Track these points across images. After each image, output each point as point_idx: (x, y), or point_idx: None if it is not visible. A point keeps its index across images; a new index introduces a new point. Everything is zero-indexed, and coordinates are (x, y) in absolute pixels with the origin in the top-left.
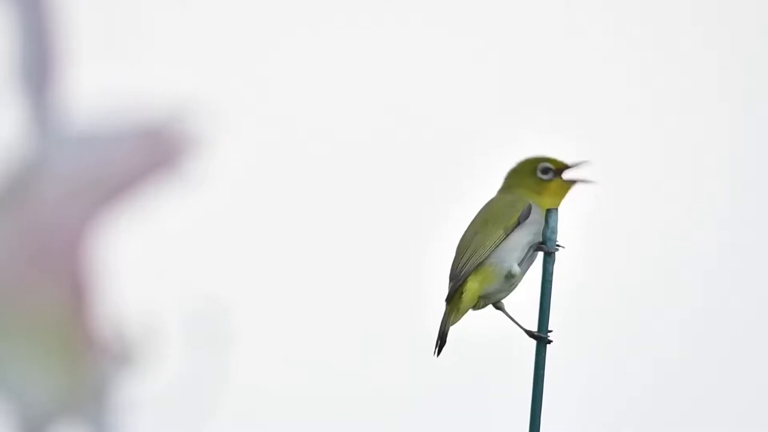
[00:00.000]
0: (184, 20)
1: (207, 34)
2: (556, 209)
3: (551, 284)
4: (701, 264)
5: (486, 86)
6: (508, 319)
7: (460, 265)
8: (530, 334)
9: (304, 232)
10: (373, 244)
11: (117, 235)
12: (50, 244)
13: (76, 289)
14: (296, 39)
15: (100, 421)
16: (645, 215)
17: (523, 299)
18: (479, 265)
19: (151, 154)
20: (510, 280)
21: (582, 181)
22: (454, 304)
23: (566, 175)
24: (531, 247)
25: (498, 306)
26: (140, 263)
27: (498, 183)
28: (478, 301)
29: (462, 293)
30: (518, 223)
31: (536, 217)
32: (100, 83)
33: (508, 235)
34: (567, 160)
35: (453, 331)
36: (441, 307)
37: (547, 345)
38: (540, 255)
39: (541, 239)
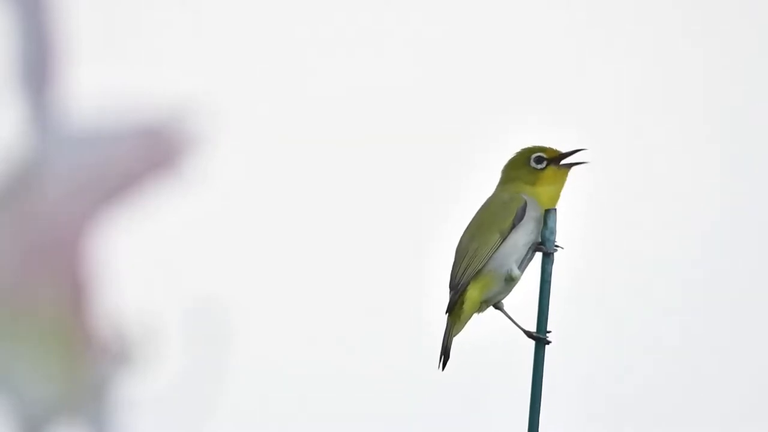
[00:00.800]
0: (184, 20)
1: (206, 34)
2: (555, 210)
3: (550, 285)
4: (700, 264)
5: (485, 87)
6: (507, 320)
7: (459, 274)
8: (529, 334)
9: (304, 232)
10: (373, 244)
11: (117, 235)
12: (50, 243)
13: (75, 289)
14: (296, 39)
15: (99, 420)
16: (644, 216)
17: (522, 300)
18: (478, 273)
19: (151, 154)
20: (511, 283)
21: (576, 164)
22: (456, 315)
23: (560, 162)
24: (530, 247)
25: (497, 306)
26: (140, 263)
27: (496, 179)
28: (480, 307)
29: (463, 302)
30: (514, 225)
31: (533, 214)
32: (100, 83)
33: (504, 239)
34: (558, 146)
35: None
36: (444, 302)
37: (546, 345)
38: (539, 255)
39: (539, 237)
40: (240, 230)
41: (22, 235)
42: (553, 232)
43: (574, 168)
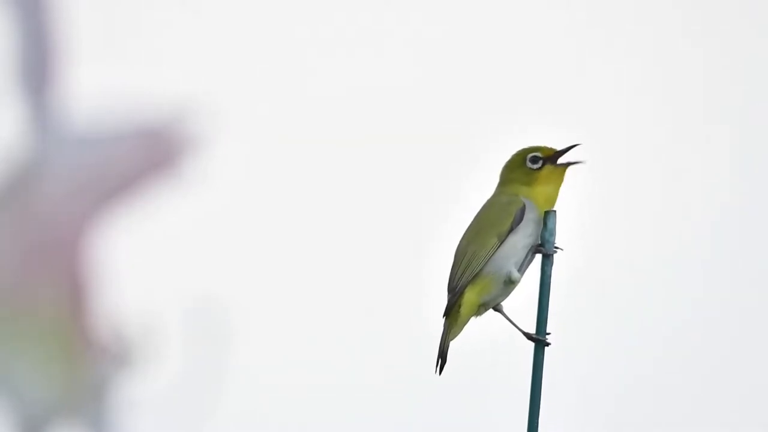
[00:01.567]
0: (184, 20)
1: (206, 34)
2: (555, 211)
3: (549, 286)
4: (699, 265)
5: (485, 87)
6: (507, 322)
7: (457, 278)
8: (528, 336)
9: (304, 232)
10: (372, 245)
11: (117, 235)
12: (50, 243)
13: (75, 289)
14: (296, 39)
15: (99, 420)
16: (643, 216)
17: (521, 301)
18: (476, 276)
19: (150, 154)
20: (510, 286)
21: (573, 163)
22: (453, 318)
23: (556, 160)
24: (529, 249)
25: (497, 308)
26: (140, 263)
27: (495, 180)
28: (478, 310)
29: (460, 306)
30: (512, 228)
31: (531, 216)
32: (100, 83)
33: (502, 242)
34: (556, 147)
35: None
36: (443, 305)
37: (546, 347)
38: (538, 256)
39: (539, 239)
40: (240, 230)
41: (22, 235)
42: (553, 234)
43: (573, 167)
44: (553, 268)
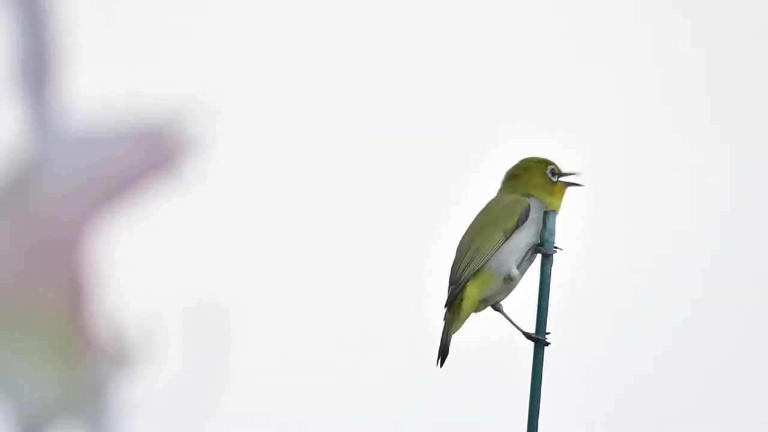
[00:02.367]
0: (184, 20)
1: (206, 34)
2: (554, 211)
3: (549, 286)
4: (698, 265)
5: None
6: (506, 321)
7: (459, 271)
8: (528, 335)
9: (304, 232)
10: (373, 244)
11: (116, 235)
12: (50, 243)
13: (75, 289)
14: (296, 39)
15: (99, 421)
16: (642, 217)
17: (521, 301)
18: (478, 271)
19: (150, 154)
20: (509, 283)
21: (573, 184)
22: (455, 313)
23: (563, 179)
24: (529, 248)
25: (496, 307)
26: (140, 263)
27: (497, 183)
28: (478, 305)
29: (462, 300)
30: (517, 226)
31: (535, 216)
32: (100, 83)
33: (507, 239)
34: (562, 167)
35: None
36: (442, 302)
37: (545, 347)
38: (538, 256)
39: (539, 239)
40: (240, 230)
41: (22, 235)
42: (552, 234)
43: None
44: (553, 268)
